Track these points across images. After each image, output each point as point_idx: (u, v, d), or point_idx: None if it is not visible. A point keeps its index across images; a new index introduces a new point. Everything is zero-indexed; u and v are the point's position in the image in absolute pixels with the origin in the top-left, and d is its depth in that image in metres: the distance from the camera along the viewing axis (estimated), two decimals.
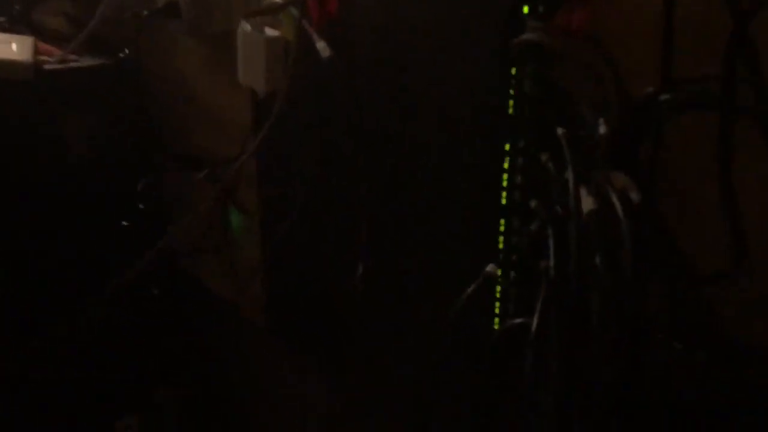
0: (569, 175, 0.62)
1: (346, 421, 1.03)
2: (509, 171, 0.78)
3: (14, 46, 1.20)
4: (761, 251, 0.62)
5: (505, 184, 0.78)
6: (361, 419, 1.01)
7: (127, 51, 1.27)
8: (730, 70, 0.52)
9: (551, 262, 0.65)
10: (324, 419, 1.08)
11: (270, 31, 0.88)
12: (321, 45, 0.75)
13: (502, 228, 0.80)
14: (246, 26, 0.89)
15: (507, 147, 0.77)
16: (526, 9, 0.72)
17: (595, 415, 0.64)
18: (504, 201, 0.79)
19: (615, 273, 0.60)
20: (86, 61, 1.30)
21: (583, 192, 0.64)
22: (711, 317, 0.66)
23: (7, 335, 1.19)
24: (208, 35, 1.16)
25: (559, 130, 0.68)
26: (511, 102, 0.74)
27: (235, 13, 1.07)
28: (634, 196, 0.61)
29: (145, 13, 1.21)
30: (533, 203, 0.73)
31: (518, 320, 0.75)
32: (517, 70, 0.72)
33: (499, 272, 0.72)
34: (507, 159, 0.77)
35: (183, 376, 1.36)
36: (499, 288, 0.80)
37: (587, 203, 0.63)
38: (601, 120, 0.65)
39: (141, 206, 1.21)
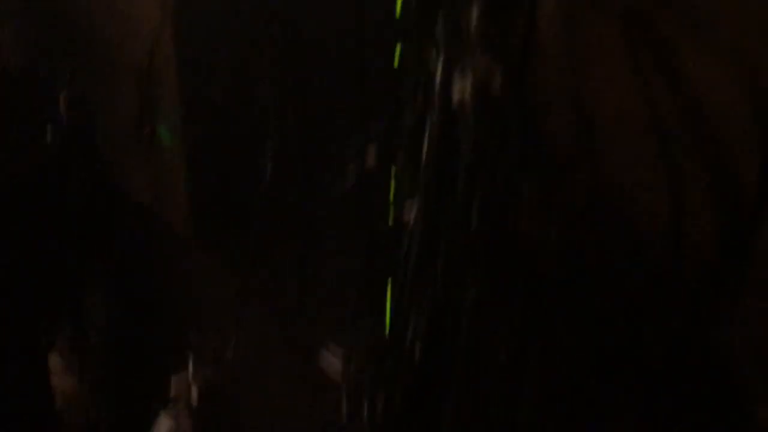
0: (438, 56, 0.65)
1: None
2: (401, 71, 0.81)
3: None
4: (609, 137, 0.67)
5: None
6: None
7: None
8: None
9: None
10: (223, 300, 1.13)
11: None
12: None
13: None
14: None
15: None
16: None
17: None
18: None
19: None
20: None
21: (457, 76, 0.67)
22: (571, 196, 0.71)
23: None
24: None
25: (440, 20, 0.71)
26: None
27: None
28: (496, 80, 0.65)
29: None
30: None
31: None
32: None
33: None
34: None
35: (111, 276, 1.40)
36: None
37: (458, 89, 0.67)
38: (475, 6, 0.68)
39: (65, 115, 1.21)
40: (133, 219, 1.34)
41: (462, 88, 0.66)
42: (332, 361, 0.89)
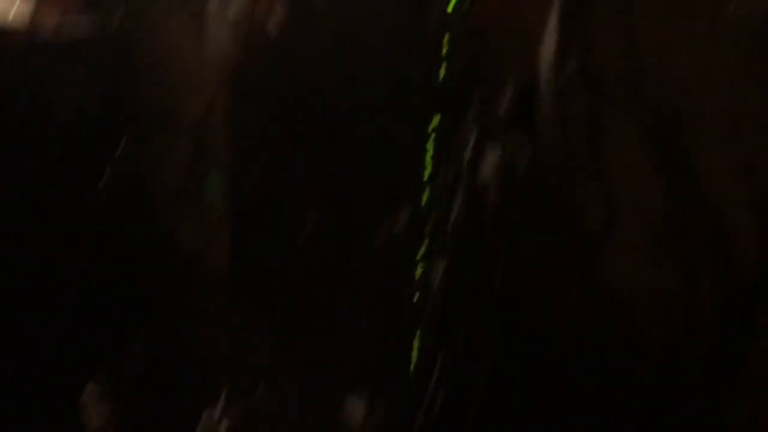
0: (470, 139, 0.72)
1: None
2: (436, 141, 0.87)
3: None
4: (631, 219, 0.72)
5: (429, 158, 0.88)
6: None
7: (119, 15, 1.36)
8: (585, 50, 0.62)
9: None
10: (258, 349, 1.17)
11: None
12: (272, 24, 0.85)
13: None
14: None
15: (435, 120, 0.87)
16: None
17: None
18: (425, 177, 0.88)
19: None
20: (80, 23, 1.38)
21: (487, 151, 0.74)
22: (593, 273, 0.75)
23: None
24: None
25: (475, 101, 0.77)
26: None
27: None
28: (524, 156, 0.70)
29: None
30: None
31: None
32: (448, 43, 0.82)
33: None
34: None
35: (150, 319, 1.45)
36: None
37: (487, 163, 0.73)
38: (508, 93, 0.74)
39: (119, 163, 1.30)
40: (178, 264, 1.40)
41: (491, 163, 0.73)
42: (356, 410, 0.93)
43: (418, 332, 0.84)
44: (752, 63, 0.60)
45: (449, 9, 0.80)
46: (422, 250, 0.87)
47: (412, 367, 0.83)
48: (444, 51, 0.81)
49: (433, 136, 0.87)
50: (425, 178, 0.91)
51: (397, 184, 0.90)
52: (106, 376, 1.48)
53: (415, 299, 0.85)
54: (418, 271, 0.90)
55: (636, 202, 0.72)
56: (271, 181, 1.15)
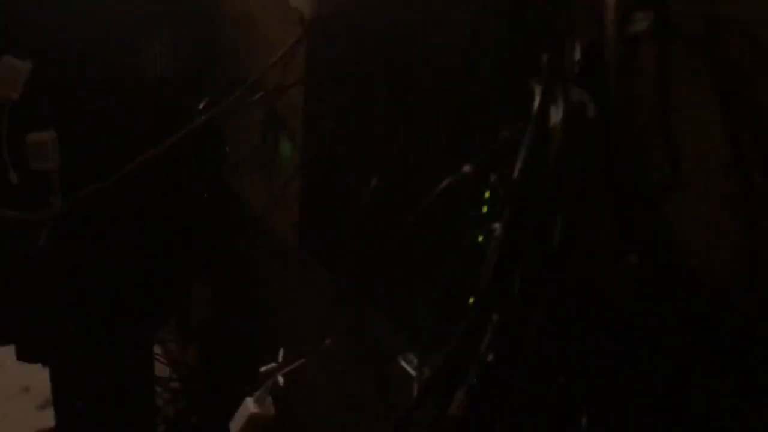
0: (537, 88, 0.72)
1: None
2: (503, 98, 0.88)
3: None
4: (698, 174, 0.71)
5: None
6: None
7: None
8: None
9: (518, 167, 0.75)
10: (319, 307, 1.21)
11: None
12: None
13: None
14: None
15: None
16: None
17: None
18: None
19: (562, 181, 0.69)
20: None
21: (554, 109, 0.74)
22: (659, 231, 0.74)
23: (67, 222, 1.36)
24: None
25: (544, 57, 0.78)
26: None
27: None
28: (590, 110, 0.70)
29: None
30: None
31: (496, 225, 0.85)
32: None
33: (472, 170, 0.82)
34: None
35: (216, 274, 1.52)
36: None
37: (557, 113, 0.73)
38: (577, 45, 0.74)
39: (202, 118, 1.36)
40: (244, 221, 1.46)
41: (557, 117, 0.73)
42: (408, 363, 0.95)
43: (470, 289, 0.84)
44: None
45: None
46: (485, 204, 0.87)
47: (466, 321, 0.83)
48: (509, 6, 0.81)
49: (499, 92, 0.88)
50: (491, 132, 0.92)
51: (464, 137, 0.91)
52: (177, 324, 1.55)
53: (474, 251, 0.85)
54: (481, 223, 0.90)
55: (703, 162, 0.71)
56: (339, 147, 1.18)
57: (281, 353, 1.13)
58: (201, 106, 1.38)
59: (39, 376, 1.70)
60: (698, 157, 0.71)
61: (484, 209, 0.90)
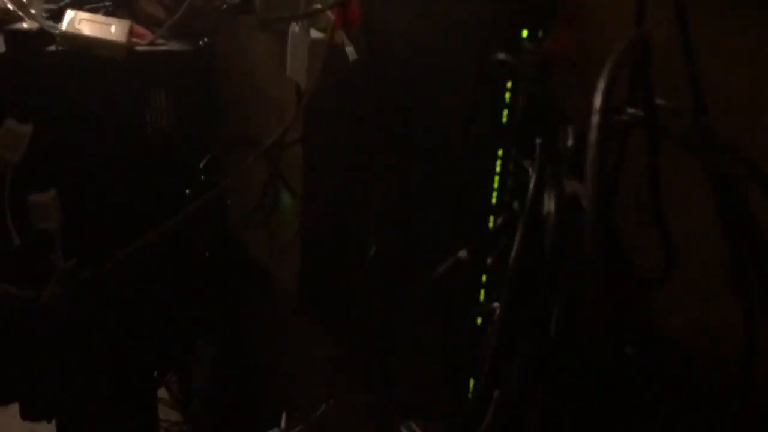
0: (531, 179, 0.72)
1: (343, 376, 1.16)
2: (501, 174, 0.88)
3: (113, 28, 1.39)
4: (691, 259, 0.71)
5: (495, 185, 0.89)
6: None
7: (206, 39, 1.44)
8: (648, 97, 0.61)
9: (512, 254, 0.75)
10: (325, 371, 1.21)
11: (315, 33, 1.01)
12: (349, 50, 0.88)
13: (491, 225, 0.90)
14: (295, 27, 1.02)
15: (500, 152, 0.87)
16: (525, 33, 0.83)
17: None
18: (494, 201, 0.89)
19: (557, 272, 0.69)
20: (172, 46, 1.47)
21: (547, 197, 0.74)
22: (650, 318, 0.74)
23: (69, 283, 1.37)
24: (275, 30, 1.31)
25: (537, 140, 0.78)
26: (505, 112, 0.85)
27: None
28: (585, 201, 0.70)
29: (224, 6, 1.37)
30: (515, 204, 0.84)
31: (495, 304, 0.85)
32: (512, 84, 0.83)
33: (467, 256, 0.82)
34: (498, 163, 0.87)
35: (220, 332, 1.52)
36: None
37: (549, 206, 0.73)
38: (570, 132, 0.74)
39: (202, 178, 1.37)
40: (251, 276, 1.47)
41: (552, 200, 0.72)
42: None
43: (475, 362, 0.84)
44: None
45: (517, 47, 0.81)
46: (483, 283, 0.87)
47: (468, 395, 0.83)
48: (507, 93, 0.81)
49: (497, 170, 0.88)
50: (489, 210, 0.92)
51: (462, 214, 0.91)
52: (177, 380, 1.56)
53: (474, 329, 0.85)
54: (480, 302, 0.90)
55: (696, 246, 0.71)
56: (340, 206, 1.19)
57: (284, 418, 1.13)
58: (203, 164, 1.39)
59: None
60: (692, 240, 0.71)
61: (482, 294, 0.91)
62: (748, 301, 0.61)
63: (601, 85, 0.52)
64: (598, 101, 0.52)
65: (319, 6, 0.96)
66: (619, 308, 0.76)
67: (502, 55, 0.75)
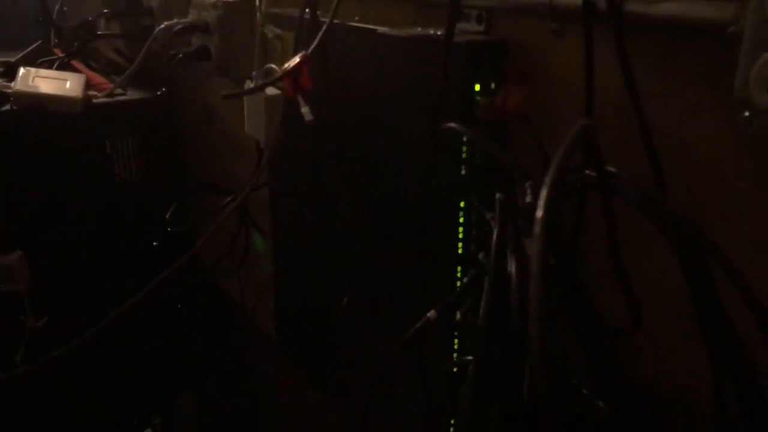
0: (493, 238, 0.72)
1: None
2: (464, 225, 0.88)
3: (68, 84, 1.37)
4: (656, 311, 0.71)
5: (461, 236, 0.89)
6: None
7: (164, 88, 1.42)
8: (599, 162, 0.61)
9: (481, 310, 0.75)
10: (307, 416, 1.20)
11: (270, 90, 1.00)
12: (305, 110, 0.87)
13: (459, 275, 0.90)
14: (250, 84, 1.01)
15: (462, 204, 0.87)
16: (477, 87, 0.83)
17: None
18: (460, 251, 0.89)
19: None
20: (130, 95, 1.46)
21: (510, 255, 0.74)
22: (618, 369, 0.75)
23: (42, 338, 1.36)
24: (233, 77, 1.30)
25: (498, 195, 0.78)
26: (462, 166, 0.84)
27: (257, 61, 1.20)
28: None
29: (180, 55, 1.35)
30: (481, 255, 0.84)
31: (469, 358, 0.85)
32: (470, 141, 0.83)
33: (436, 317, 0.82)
34: (461, 215, 0.87)
35: (202, 377, 1.51)
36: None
37: (511, 267, 0.73)
38: (528, 188, 0.74)
39: (169, 229, 1.36)
40: (229, 321, 1.45)
41: (516, 255, 0.72)
42: None
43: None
44: None
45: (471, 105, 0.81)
46: (455, 342, 0.87)
47: None
48: (464, 149, 0.81)
49: (461, 222, 0.88)
50: (457, 262, 0.92)
51: (430, 264, 0.91)
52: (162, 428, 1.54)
53: (447, 389, 0.85)
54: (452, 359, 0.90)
55: (661, 302, 0.71)
56: (310, 246, 1.18)
57: None
58: (169, 214, 1.37)
59: None
60: (657, 296, 0.72)
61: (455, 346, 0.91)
62: (716, 364, 0.61)
63: (550, 175, 0.52)
64: (540, 212, 0.52)
65: (272, 65, 0.95)
66: (589, 361, 0.77)
67: (452, 124, 0.75)
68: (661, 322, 0.72)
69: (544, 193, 0.58)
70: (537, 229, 0.56)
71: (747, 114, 0.56)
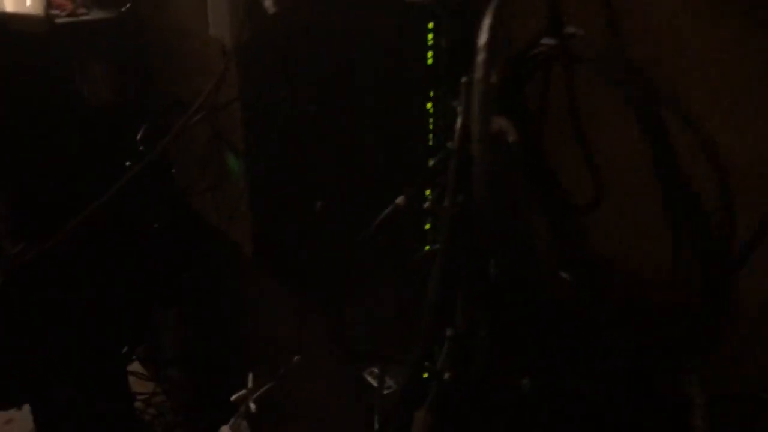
0: (458, 116, 0.72)
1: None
2: (433, 116, 0.88)
3: (28, 1, 1.33)
4: (620, 185, 0.72)
5: (431, 126, 0.89)
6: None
7: (128, 5, 1.39)
8: (556, 25, 0.61)
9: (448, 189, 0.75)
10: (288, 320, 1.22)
11: None
12: (267, 3, 0.86)
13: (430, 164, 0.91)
14: None
15: (431, 93, 0.87)
16: None
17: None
18: (430, 142, 0.90)
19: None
20: (93, 15, 1.42)
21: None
22: (584, 243, 0.76)
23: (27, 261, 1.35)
24: None
25: (463, 79, 0.78)
26: (429, 53, 0.84)
27: None
28: (510, 137, 0.71)
29: None
30: (449, 144, 0.84)
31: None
32: (434, 29, 0.82)
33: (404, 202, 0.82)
34: (430, 104, 0.88)
35: (183, 295, 1.52)
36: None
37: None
38: (493, 70, 0.74)
39: (141, 149, 1.34)
40: (205, 239, 1.46)
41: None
42: (373, 383, 0.97)
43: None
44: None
45: None
46: (426, 228, 0.88)
47: (420, 342, 0.85)
48: (430, 35, 0.81)
49: (430, 113, 0.88)
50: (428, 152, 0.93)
51: (401, 160, 0.92)
52: (146, 352, 1.56)
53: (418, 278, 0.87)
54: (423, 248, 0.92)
55: (624, 175, 0.72)
56: (283, 160, 1.18)
57: (250, 378, 1.14)
58: (140, 135, 1.36)
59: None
60: (619, 169, 0.73)
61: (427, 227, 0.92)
62: (677, 233, 0.62)
63: (486, 21, 0.52)
64: (482, 38, 0.52)
65: None
66: (555, 234, 0.78)
67: None
68: (624, 195, 0.74)
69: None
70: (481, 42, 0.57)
71: None
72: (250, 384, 1.13)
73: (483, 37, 0.52)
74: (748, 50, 0.64)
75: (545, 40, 0.68)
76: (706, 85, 0.64)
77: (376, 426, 0.88)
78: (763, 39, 0.64)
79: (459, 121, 0.74)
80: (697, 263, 0.63)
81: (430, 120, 0.89)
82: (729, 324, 0.60)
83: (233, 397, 1.12)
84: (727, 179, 0.57)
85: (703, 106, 0.65)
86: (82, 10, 1.43)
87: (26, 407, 1.66)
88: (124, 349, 1.56)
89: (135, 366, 1.82)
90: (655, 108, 0.59)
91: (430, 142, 0.90)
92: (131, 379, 1.70)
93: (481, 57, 0.53)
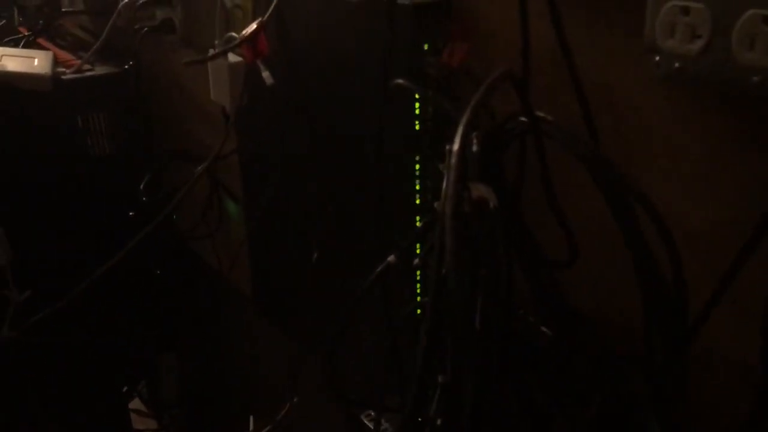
0: (444, 184, 0.78)
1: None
2: (420, 177, 0.94)
3: (36, 62, 1.40)
4: (593, 245, 0.78)
5: (417, 188, 0.95)
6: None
7: (131, 62, 1.46)
8: (527, 106, 0.68)
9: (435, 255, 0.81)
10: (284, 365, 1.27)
11: (233, 57, 1.05)
12: (266, 74, 0.92)
13: (418, 224, 0.97)
14: (213, 52, 1.06)
15: (417, 157, 0.93)
16: (426, 46, 0.88)
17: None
18: (417, 202, 0.96)
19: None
20: (98, 70, 1.49)
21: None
22: (561, 298, 0.82)
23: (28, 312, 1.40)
24: (197, 47, 1.34)
25: (447, 146, 0.84)
26: (416, 122, 0.91)
27: (218, 30, 1.24)
28: (491, 203, 0.77)
29: (146, 28, 1.39)
30: (436, 204, 0.91)
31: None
32: (420, 96, 0.89)
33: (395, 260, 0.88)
34: (417, 167, 0.94)
35: (184, 339, 1.57)
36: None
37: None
38: (474, 139, 0.81)
39: (144, 199, 1.41)
40: (206, 284, 1.51)
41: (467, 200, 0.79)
42: (371, 421, 1.02)
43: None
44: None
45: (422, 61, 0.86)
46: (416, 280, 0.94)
47: (414, 383, 0.90)
48: (417, 106, 0.87)
49: (417, 174, 0.94)
50: (415, 212, 0.98)
51: (393, 212, 0.98)
52: (148, 392, 1.60)
53: (410, 326, 0.92)
54: (415, 300, 0.97)
55: (595, 236, 0.78)
56: (280, 208, 1.24)
57: (252, 421, 1.19)
58: (143, 184, 1.42)
59: None
60: (590, 230, 0.79)
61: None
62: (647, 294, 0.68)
63: (466, 114, 0.59)
64: (457, 138, 0.58)
65: (233, 33, 1.00)
66: (534, 291, 0.84)
67: (399, 81, 0.81)
68: (596, 253, 0.80)
69: (459, 130, 0.65)
70: (452, 155, 0.63)
71: (657, 58, 0.62)
72: (251, 427, 1.17)
73: (456, 143, 0.58)
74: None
75: (521, 117, 0.74)
76: (664, 160, 0.71)
77: None
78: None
79: (444, 185, 0.80)
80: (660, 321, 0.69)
81: (417, 182, 0.95)
82: (688, 380, 0.66)
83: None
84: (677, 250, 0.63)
85: (663, 177, 0.71)
86: (87, 66, 1.50)
87: None
88: (125, 389, 1.60)
89: (136, 403, 1.86)
90: (618, 189, 0.65)
91: (417, 201, 0.96)
92: (132, 416, 1.75)
93: (453, 161, 0.58)
